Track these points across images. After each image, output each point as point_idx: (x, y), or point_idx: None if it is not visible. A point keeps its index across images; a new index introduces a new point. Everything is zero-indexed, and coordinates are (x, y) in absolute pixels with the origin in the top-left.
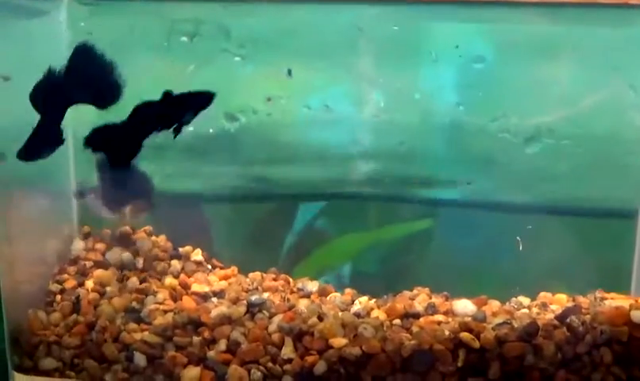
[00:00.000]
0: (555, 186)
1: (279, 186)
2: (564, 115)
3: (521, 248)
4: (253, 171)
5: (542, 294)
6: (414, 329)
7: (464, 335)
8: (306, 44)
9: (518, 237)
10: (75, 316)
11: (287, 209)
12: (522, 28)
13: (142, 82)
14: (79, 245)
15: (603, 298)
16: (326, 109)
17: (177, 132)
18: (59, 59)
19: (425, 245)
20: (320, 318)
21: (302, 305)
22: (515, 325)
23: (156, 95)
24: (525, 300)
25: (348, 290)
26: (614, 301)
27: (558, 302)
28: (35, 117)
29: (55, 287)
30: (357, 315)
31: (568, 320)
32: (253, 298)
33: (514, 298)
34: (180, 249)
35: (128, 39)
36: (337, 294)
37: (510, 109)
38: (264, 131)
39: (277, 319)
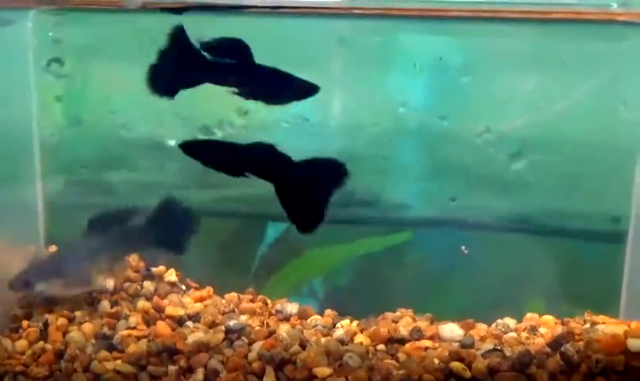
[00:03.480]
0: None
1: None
2: (550, 130)
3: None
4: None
5: (529, 315)
6: (401, 356)
7: (455, 364)
8: (285, 55)
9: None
10: (42, 343)
11: (258, 222)
12: (511, 42)
13: (112, 91)
14: None
15: (594, 323)
16: (305, 121)
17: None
18: (25, 67)
19: (403, 260)
20: (302, 345)
21: (283, 330)
22: (507, 353)
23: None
24: (511, 322)
25: (328, 312)
26: (608, 326)
27: (546, 324)
28: None
29: (20, 312)
30: (341, 341)
31: (562, 348)
32: (231, 323)
33: (499, 320)
34: (153, 269)
35: (98, 47)
36: (318, 317)
37: (494, 122)
38: None
39: (257, 346)
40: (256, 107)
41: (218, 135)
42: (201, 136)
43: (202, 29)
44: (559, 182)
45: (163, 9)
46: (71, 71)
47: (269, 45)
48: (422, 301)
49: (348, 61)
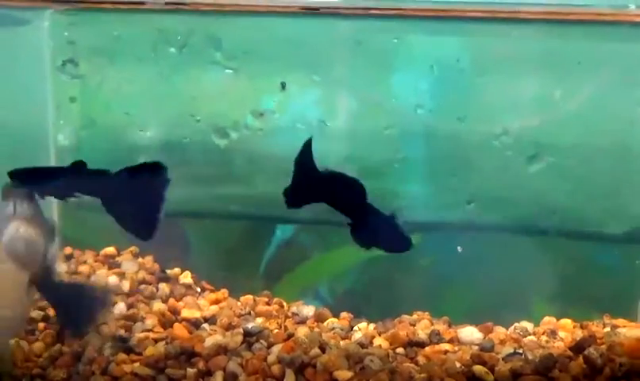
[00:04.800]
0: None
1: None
2: (568, 132)
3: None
4: (240, 188)
5: (546, 319)
6: (421, 359)
7: (477, 368)
8: (301, 56)
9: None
10: (59, 346)
11: (266, 225)
12: (527, 43)
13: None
14: (61, 268)
15: (614, 326)
16: (322, 124)
17: None
18: (41, 66)
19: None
20: (322, 348)
21: (302, 333)
22: (529, 357)
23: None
24: (529, 325)
25: (344, 315)
26: (631, 330)
27: (564, 327)
28: None
29: (36, 314)
30: (360, 344)
31: (585, 352)
32: (250, 325)
33: (517, 324)
34: (168, 271)
35: (113, 48)
36: (335, 320)
37: (511, 125)
38: (254, 147)
39: (276, 349)
40: (273, 109)
41: (233, 136)
42: (215, 138)
43: (217, 30)
44: (575, 184)
45: None
46: (86, 72)
47: (284, 46)
48: (431, 303)
49: (364, 63)
